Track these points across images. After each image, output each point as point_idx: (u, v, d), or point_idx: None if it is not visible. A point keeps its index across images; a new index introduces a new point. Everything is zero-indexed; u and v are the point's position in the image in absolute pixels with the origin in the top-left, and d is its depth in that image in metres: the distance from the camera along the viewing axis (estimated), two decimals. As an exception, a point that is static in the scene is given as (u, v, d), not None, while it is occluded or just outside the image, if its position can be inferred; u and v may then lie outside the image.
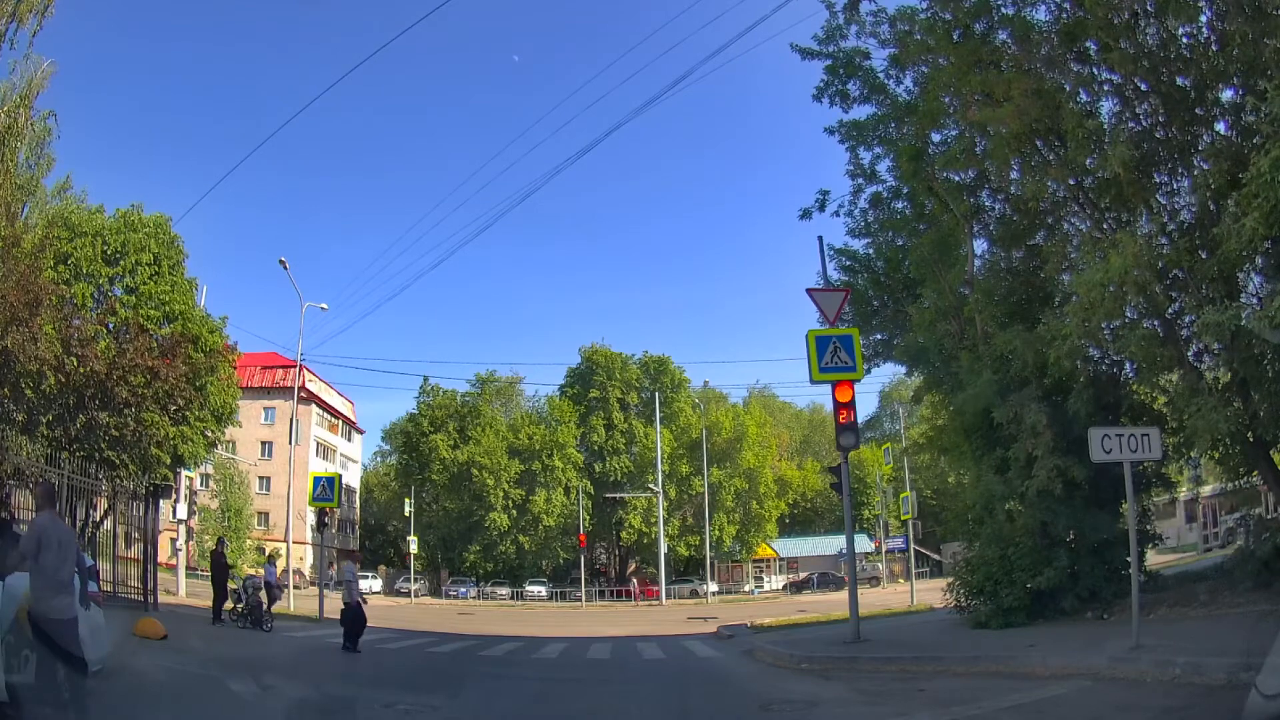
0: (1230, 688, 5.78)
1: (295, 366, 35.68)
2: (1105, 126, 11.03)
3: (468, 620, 26.35)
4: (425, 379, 57.11)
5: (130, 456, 19.20)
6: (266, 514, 50.66)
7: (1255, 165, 8.05)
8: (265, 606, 16.43)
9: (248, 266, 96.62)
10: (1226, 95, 10.31)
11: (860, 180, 17.03)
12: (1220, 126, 10.48)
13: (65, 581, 5.80)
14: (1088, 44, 11.11)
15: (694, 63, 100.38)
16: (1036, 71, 11.28)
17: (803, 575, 51.57)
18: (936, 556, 48.40)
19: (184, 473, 25.45)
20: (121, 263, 22.50)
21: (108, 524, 18.37)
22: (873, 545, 49.47)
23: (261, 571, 19.45)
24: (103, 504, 18.82)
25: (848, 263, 18.94)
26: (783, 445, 61.97)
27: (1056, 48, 11.35)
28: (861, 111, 16.27)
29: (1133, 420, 11.90)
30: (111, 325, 21.39)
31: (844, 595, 18.49)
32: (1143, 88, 10.74)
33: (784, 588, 51.07)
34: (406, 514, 46.54)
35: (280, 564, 24.96)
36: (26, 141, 15.77)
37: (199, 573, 30.41)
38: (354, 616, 12.92)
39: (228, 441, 35.87)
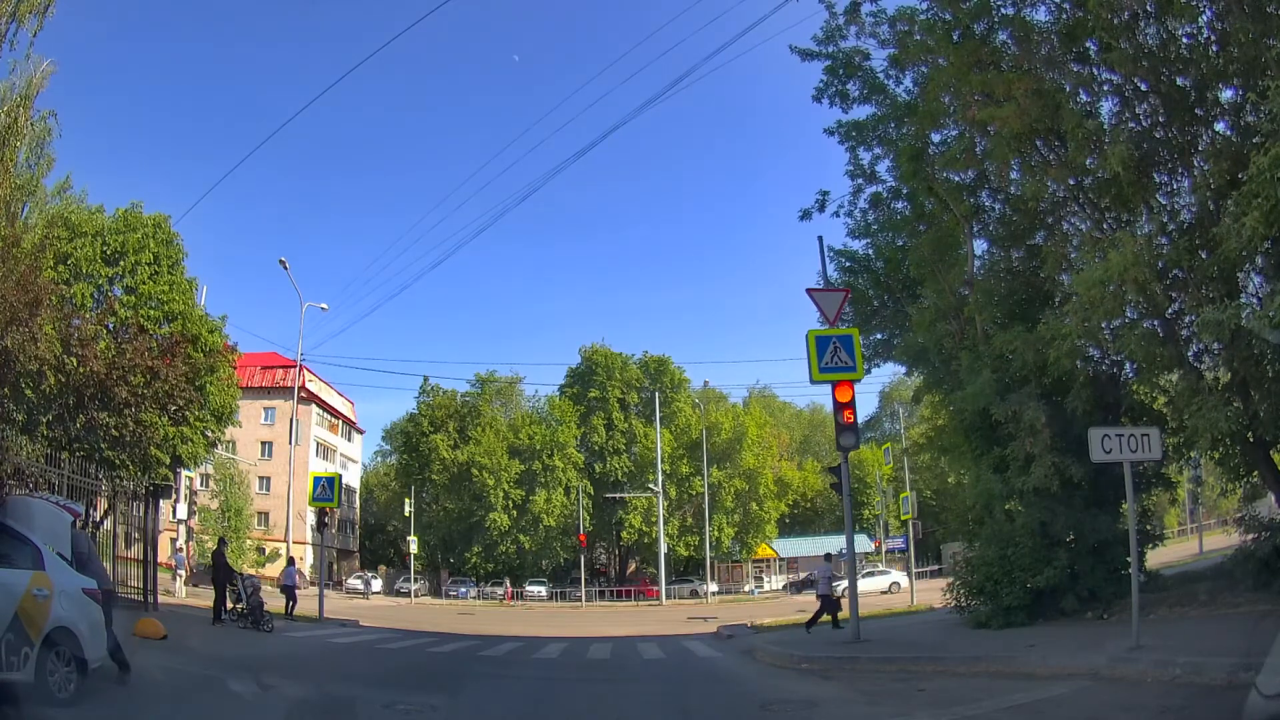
0: (1230, 688, 5.77)
1: (295, 366, 35.73)
2: (1105, 126, 11.04)
3: (468, 620, 26.35)
4: (425, 379, 57.28)
5: (130, 456, 19.17)
6: (266, 514, 50.61)
7: (1255, 164, 8.05)
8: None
9: (248, 266, 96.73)
10: (1226, 95, 10.32)
11: (860, 181, 17.05)
12: (1220, 126, 10.49)
13: None
14: (1088, 44, 11.13)
15: (694, 62, 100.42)
16: (1036, 71, 11.30)
17: (803, 575, 51.48)
18: (936, 565, 48.16)
19: (184, 473, 25.43)
20: (121, 263, 22.46)
21: (108, 524, 18.34)
22: (873, 545, 49.44)
23: (261, 572, 19.50)
24: (103, 504, 18.78)
25: (848, 263, 18.94)
26: (783, 445, 61.91)
27: (1056, 48, 11.38)
28: (861, 112, 16.29)
29: (1133, 420, 11.93)
30: (111, 325, 21.35)
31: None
32: (1143, 88, 10.74)
33: (784, 588, 51.07)
34: (406, 514, 46.55)
35: (296, 566, 24.90)
36: (26, 141, 15.68)
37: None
38: (828, 603, 15.37)
39: (228, 441, 35.75)
